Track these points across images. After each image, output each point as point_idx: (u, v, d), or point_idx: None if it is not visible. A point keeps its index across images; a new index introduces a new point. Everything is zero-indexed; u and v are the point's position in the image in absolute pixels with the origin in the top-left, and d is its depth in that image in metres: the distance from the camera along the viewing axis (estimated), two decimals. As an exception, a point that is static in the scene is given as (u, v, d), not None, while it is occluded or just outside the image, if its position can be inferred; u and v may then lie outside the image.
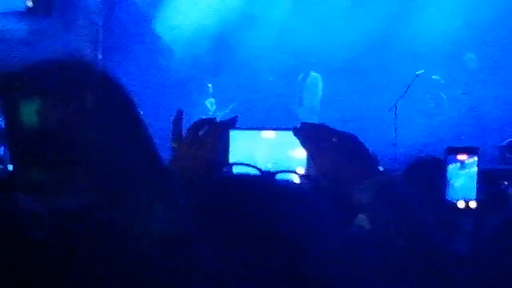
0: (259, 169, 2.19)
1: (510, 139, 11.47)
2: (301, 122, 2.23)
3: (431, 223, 2.05)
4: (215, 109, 13.59)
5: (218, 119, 2.33)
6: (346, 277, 1.73)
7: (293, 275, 1.67)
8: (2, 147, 7.56)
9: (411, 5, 13.76)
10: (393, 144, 11.91)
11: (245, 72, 14.11)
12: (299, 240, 1.70)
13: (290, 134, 2.23)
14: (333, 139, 2.16)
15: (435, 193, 2.35)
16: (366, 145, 2.37)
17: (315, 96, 13.67)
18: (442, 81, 13.38)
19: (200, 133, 2.26)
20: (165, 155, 2.23)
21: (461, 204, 2.30)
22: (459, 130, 12.63)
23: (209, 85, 13.86)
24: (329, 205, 1.95)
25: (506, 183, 5.57)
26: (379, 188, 2.02)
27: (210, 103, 13.74)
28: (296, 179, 2.26)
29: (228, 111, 12.88)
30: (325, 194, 2.08)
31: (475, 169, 2.34)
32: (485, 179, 5.90)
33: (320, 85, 13.69)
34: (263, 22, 13.98)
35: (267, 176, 2.15)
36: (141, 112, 1.62)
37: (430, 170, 2.62)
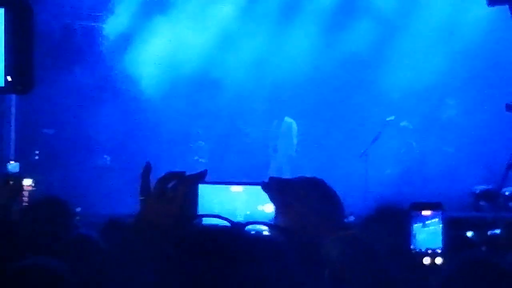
0: (230, 221, 2.18)
1: (483, 187, 11.39)
2: (270, 177, 2.24)
3: (398, 278, 2.06)
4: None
5: (187, 173, 2.32)
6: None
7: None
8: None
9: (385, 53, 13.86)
10: (364, 192, 11.87)
11: (221, 118, 14.06)
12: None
13: (258, 188, 2.23)
14: (301, 194, 2.16)
15: (400, 248, 2.35)
16: (338, 193, 2.37)
17: (290, 143, 13.38)
18: (411, 127, 13.41)
19: (169, 186, 2.25)
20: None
21: (426, 261, 2.29)
22: (429, 177, 12.59)
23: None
24: (298, 257, 1.95)
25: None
26: (346, 243, 2.03)
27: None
28: (266, 231, 2.25)
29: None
30: (294, 246, 2.09)
31: (440, 224, 2.33)
32: (457, 226, 5.89)
33: (295, 131, 13.36)
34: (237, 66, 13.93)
35: (237, 227, 2.15)
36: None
37: (396, 223, 2.62)
